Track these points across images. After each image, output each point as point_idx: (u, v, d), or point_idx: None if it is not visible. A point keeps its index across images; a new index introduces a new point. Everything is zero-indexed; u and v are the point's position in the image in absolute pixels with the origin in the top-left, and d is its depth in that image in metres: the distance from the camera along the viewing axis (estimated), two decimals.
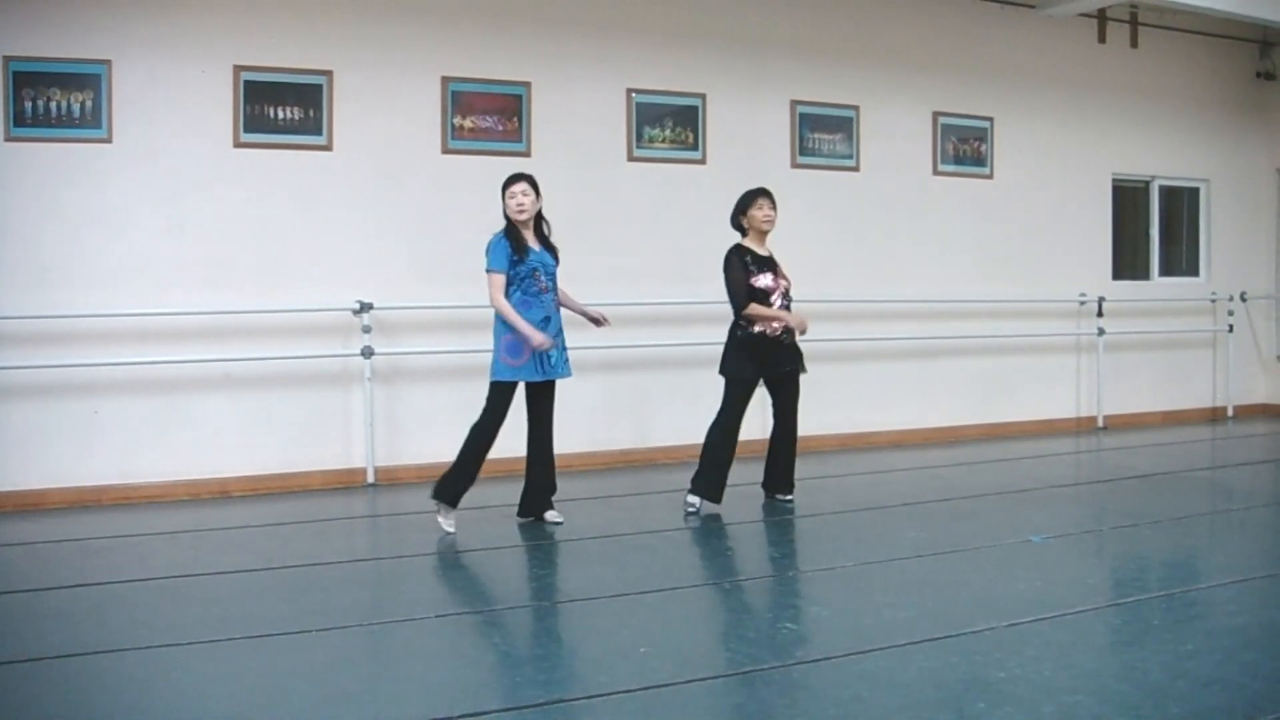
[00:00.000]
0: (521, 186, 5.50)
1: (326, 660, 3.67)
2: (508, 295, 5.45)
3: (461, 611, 4.18)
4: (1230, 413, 10.31)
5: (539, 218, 5.62)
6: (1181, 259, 10.46)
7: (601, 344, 7.33)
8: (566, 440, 7.54)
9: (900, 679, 3.42)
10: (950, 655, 3.60)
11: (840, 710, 3.16)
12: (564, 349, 5.62)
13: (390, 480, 6.97)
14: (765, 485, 6.34)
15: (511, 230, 5.50)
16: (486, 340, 7.23)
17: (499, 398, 5.51)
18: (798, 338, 6.12)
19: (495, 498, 6.10)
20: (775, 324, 5.91)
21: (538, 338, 5.36)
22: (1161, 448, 8.49)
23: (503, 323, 5.47)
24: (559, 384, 5.70)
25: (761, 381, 6.14)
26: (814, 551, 5.21)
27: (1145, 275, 10.19)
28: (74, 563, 5.08)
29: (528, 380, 5.52)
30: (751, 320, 5.91)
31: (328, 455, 6.91)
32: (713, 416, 6.03)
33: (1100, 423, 9.56)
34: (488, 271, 5.49)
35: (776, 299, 5.96)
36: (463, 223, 7.22)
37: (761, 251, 6.05)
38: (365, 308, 6.82)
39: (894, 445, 8.51)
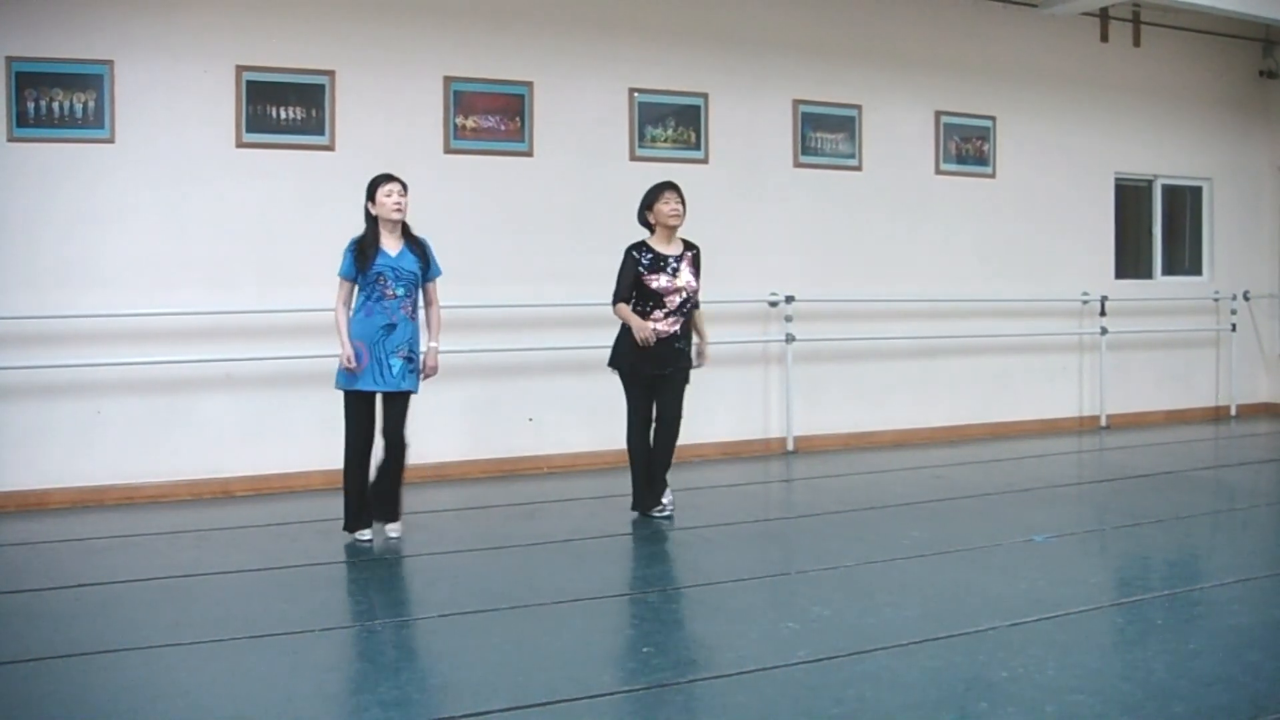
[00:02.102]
0: (396, 186, 5.36)
1: (328, 660, 3.67)
2: (355, 300, 5.29)
3: (466, 611, 4.17)
4: (1233, 412, 10.29)
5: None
6: (1184, 258, 10.45)
7: (604, 345, 7.32)
8: (567, 440, 7.58)
9: (903, 678, 3.42)
10: (953, 655, 3.59)
11: (843, 709, 3.16)
12: (411, 359, 5.32)
13: None
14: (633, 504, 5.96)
15: (367, 233, 5.33)
16: (488, 340, 7.28)
17: (349, 408, 5.32)
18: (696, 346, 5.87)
19: (498, 498, 6.10)
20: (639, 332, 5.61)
21: (345, 353, 5.18)
22: (1164, 447, 8.48)
23: (351, 329, 5.27)
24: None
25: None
26: (816, 551, 5.20)
27: (1148, 274, 10.18)
28: (76, 563, 5.09)
29: (363, 389, 5.28)
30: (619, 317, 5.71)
31: (330, 455, 6.87)
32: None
33: (1103, 422, 9.55)
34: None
35: (670, 302, 5.67)
36: (465, 222, 7.22)
37: (667, 250, 5.73)
38: None
39: (896, 445, 8.51)
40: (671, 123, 7.86)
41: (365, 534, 5.40)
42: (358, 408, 5.33)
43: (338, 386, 5.33)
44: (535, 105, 7.40)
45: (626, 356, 5.71)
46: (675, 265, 5.72)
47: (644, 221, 5.83)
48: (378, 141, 6.97)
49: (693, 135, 7.93)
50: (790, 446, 8.18)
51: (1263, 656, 3.56)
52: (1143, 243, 10.20)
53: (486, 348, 7.25)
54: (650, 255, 5.70)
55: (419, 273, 5.39)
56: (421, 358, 5.41)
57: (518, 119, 7.37)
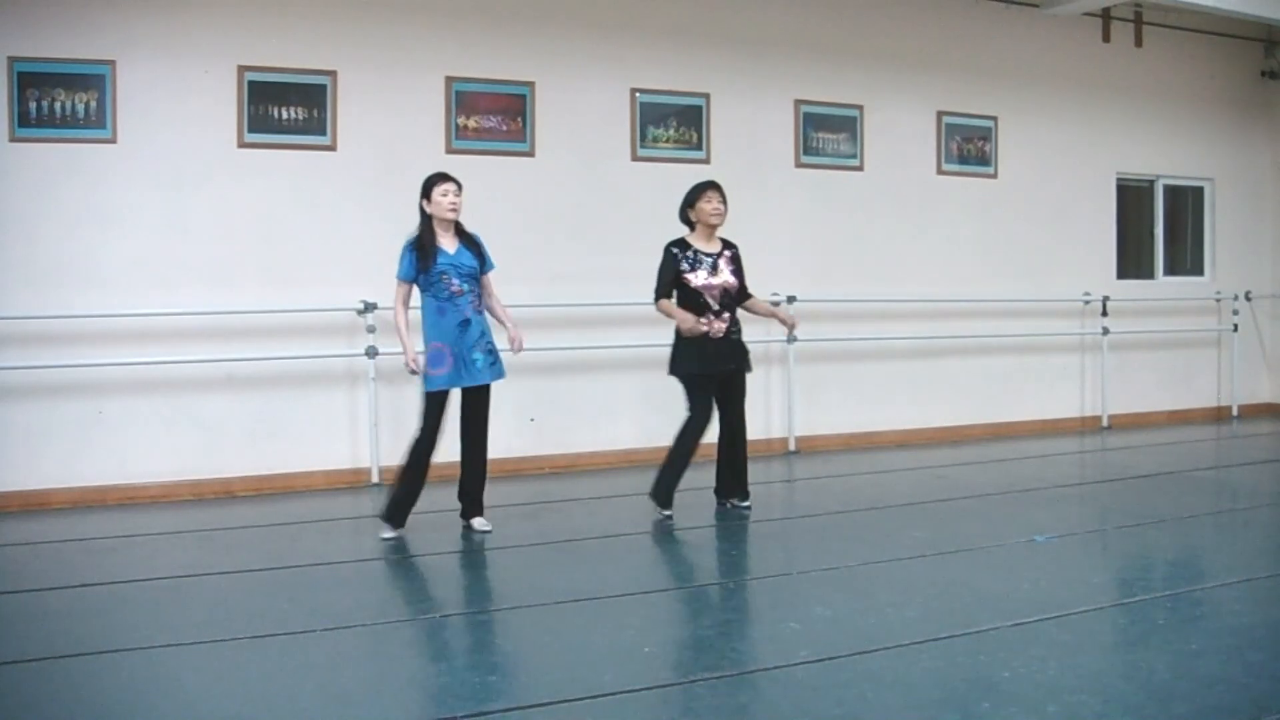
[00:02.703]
0: (452, 186, 5.39)
1: (330, 660, 3.67)
2: (422, 302, 5.33)
3: (465, 611, 4.17)
4: (1235, 412, 10.29)
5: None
6: (1186, 258, 10.44)
7: (603, 345, 7.33)
8: (568, 440, 7.58)
9: (904, 679, 3.42)
10: (954, 655, 3.59)
11: (844, 710, 3.16)
12: (491, 351, 5.40)
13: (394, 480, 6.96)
14: (718, 491, 6.07)
15: (423, 233, 5.36)
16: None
17: (430, 406, 5.33)
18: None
19: (498, 498, 6.09)
20: (683, 325, 5.66)
21: (408, 356, 5.26)
22: (1166, 447, 8.47)
23: (426, 333, 5.33)
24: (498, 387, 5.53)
25: None
26: (817, 551, 5.20)
27: (1150, 274, 10.18)
28: (77, 563, 5.09)
29: (454, 387, 5.33)
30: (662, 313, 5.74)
31: (332, 455, 6.91)
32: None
33: (1104, 422, 9.55)
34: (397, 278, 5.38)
35: (712, 298, 5.73)
36: (466, 222, 7.20)
37: (706, 247, 5.82)
38: (369, 308, 6.82)
39: (897, 445, 8.50)
40: (673, 123, 7.87)
41: (390, 532, 5.43)
42: (439, 408, 5.34)
43: (430, 389, 5.31)
44: (537, 105, 7.40)
45: (691, 363, 5.72)
46: (715, 263, 5.80)
47: (685, 219, 5.92)
48: (379, 141, 6.98)
49: (694, 135, 7.93)
50: (792, 446, 8.18)
51: (1265, 657, 3.56)
52: (1144, 243, 10.20)
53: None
54: (690, 252, 5.78)
55: (477, 267, 5.46)
56: (510, 333, 5.50)
57: (519, 119, 7.37)
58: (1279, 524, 5.91)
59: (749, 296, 5.96)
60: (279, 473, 6.75)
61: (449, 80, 7.17)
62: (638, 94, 7.74)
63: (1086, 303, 9.52)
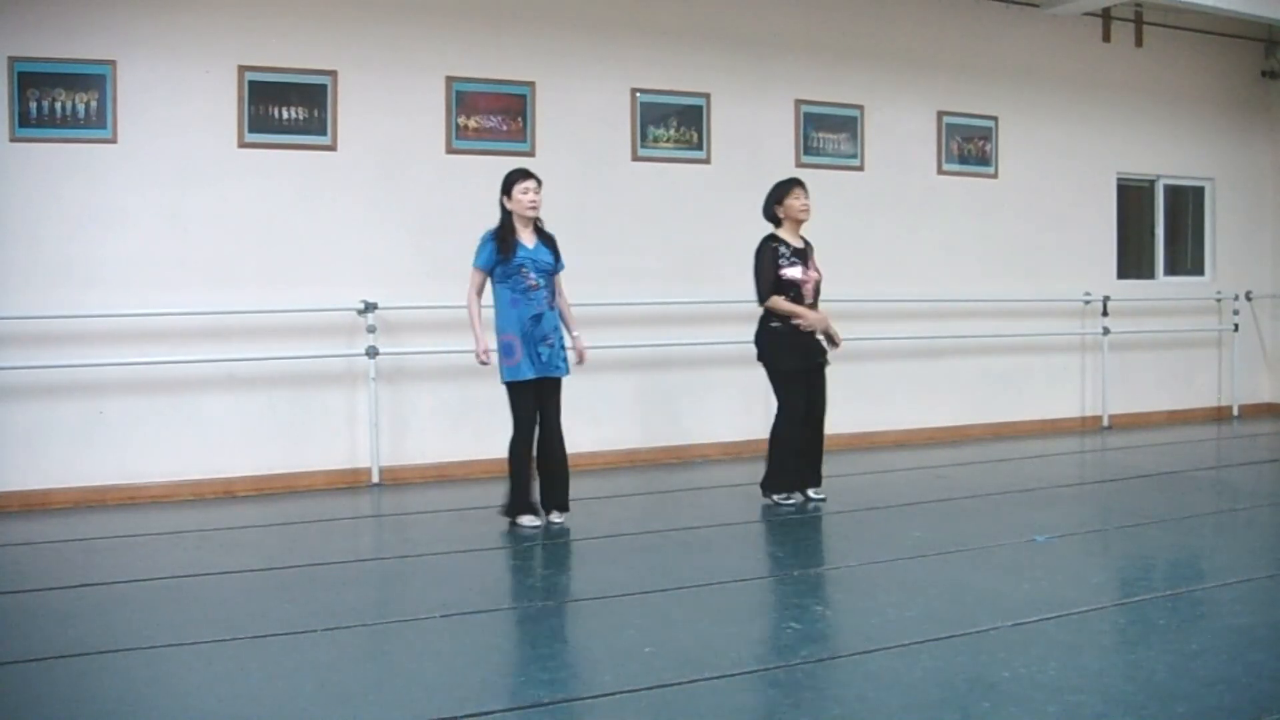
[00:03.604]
0: (533, 184, 5.51)
1: (330, 660, 3.67)
2: (496, 293, 5.46)
3: (466, 611, 4.17)
4: (1235, 412, 10.29)
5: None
6: (1186, 258, 10.44)
7: (603, 345, 7.32)
8: (569, 440, 7.56)
9: (905, 679, 3.42)
10: (955, 655, 3.59)
11: (845, 710, 3.16)
12: (560, 347, 5.56)
13: (395, 480, 6.97)
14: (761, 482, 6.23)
15: (503, 227, 5.49)
16: (490, 340, 7.26)
17: (514, 399, 5.49)
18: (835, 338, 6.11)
19: (498, 498, 6.09)
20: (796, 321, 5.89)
21: (481, 345, 5.40)
22: (1166, 447, 8.47)
23: (498, 324, 5.47)
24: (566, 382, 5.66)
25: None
26: (818, 551, 5.20)
27: (1150, 274, 10.18)
28: (78, 562, 5.09)
29: (526, 378, 5.45)
30: (774, 310, 5.91)
31: (332, 455, 6.91)
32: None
33: (1105, 422, 9.55)
34: (472, 266, 5.52)
35: (807, 291, 5.95)
36: (467, 222, 7.18)
37: (795, 242, 6.02)
38: (370, 308, 6.82)
39: (898, 445, 8.50)
40: (674, 123, 7.87)
41: (532, 520, 5.53)
42: (524, 397, 5.47)
43: (505, 380, 5.45)
44: (537, 105, 7.40)
45: (796, 358, 5.93)
46: (805, 257, 6.01)
47: (771, 216, 6.08)
48: (380, 141, 6.98)
49: (695, 135, 7.93)
50: None
51: (1265, 657, 3.56)
52: (1145, 243, 10.20)
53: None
54: (786, 247, 5.95)
55: (553, 264, 5.57)
56: (573, 347, 5.65)
57: (519, 119, 7.37)
58: (1279, 524, 5.90)
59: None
60: (279, 473, 6.75)
61: (449, 80, 7.17)
62: (638, 94, 7.74)
63: (1087, 303, 9.52)
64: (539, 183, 5.55)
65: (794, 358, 5.93)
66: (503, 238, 5.45)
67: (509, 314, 5.42)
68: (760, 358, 6.04)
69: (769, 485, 6.08)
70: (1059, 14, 9.13)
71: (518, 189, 5.49)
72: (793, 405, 5.95)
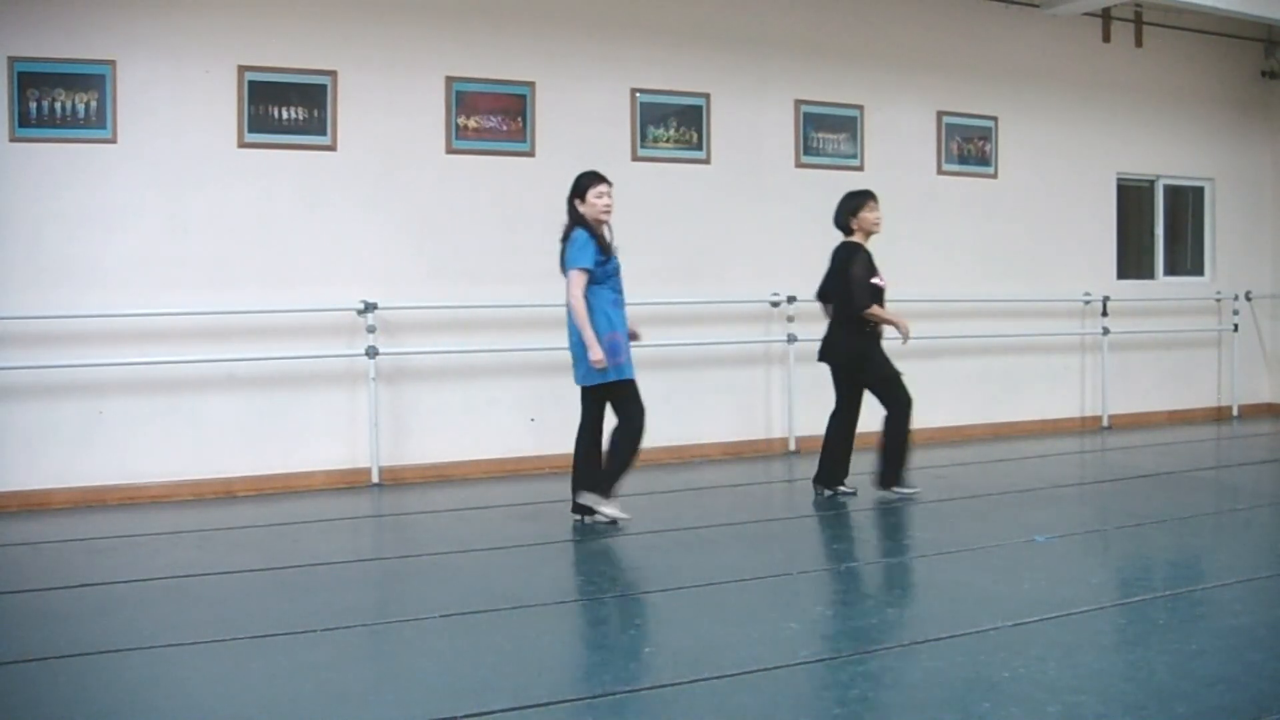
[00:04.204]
0: (607, 188, 5.47)
1: (330, 660, 3.67)
2: (595, 294, 5.37)
3: (466, 611, 4.17)
4: (1235, 412, 10.29)
5: None
6: (1186, 258, 10.44)
7: None
8: (568, 440, 7.56)
9: (905, 679, 3.42)
10: (955, 655, 3.59)
11: (845, 710, 3.16)
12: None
13: (395, 480, 6.97)
14: (820, 479, 6.39)
15: (591, 229, 5.43)
16: (490, 340, 7.28)
17: (630, 394, 5.46)
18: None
19: (498, 498, 6.10)
20: (884, 326, 6.08)
21: (599, 348, 5.29)
22: (1166, 447, 8.47)
23: (598, 325, 5.36)
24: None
25: (831, 372, 6.33)
26: (817, 551, 5.20)
27: (1150, 275, 10.18)
28: (78, 562, 5.09)
29: (612, 380, 5.40)
30: (872, 318, 6.07)
31: (332, 455, 6.91)
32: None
33: (1105, 422, 9.55)
34: (572, 268, 5.39)
35: (884, 297, 6.15)
36: (467, 223, 7.24)
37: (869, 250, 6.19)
38: (370, 308, 6.82)
39: None
40: (673, 123, 7.87)
41: (611, 509, 5.55)
42: (636, 390, 5.48)
43: (618, 378, 5.41)
44: (537, 105, 7.40)
45: (888, 362, 6.14)
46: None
47: (843, 225, 6.24)
48: (380, 142, 6.98)
49: (695, 135, 7.93)
50: (792, 446, 8.18)
51: (1265, 657, 3.56)
52: (1144, 243, 10.20)
53: (486, 348, 7.26)
54: (869, 256, 6.15)
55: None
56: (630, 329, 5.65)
57: (519, 119, 7.37)
58: (1279, 524, 5.90)
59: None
60: (279, 473, 6.75)
61: (449, 80, 7.17)
62: (638, 94, 7.74)
63: (1087, 303, 9.52)
64: (610, 185, 5.51)
65: (889, 363, 6.14)
66: (600, 238, 5.41)
67: (614, 314, 5.40)
68: (851, 364, 6.16)
69: (896, 479, 6.22)
70: (1059, 14, 9.13)
71: (592, 193, 5.43)
72: (900, 400, 6.12)
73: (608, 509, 5.50)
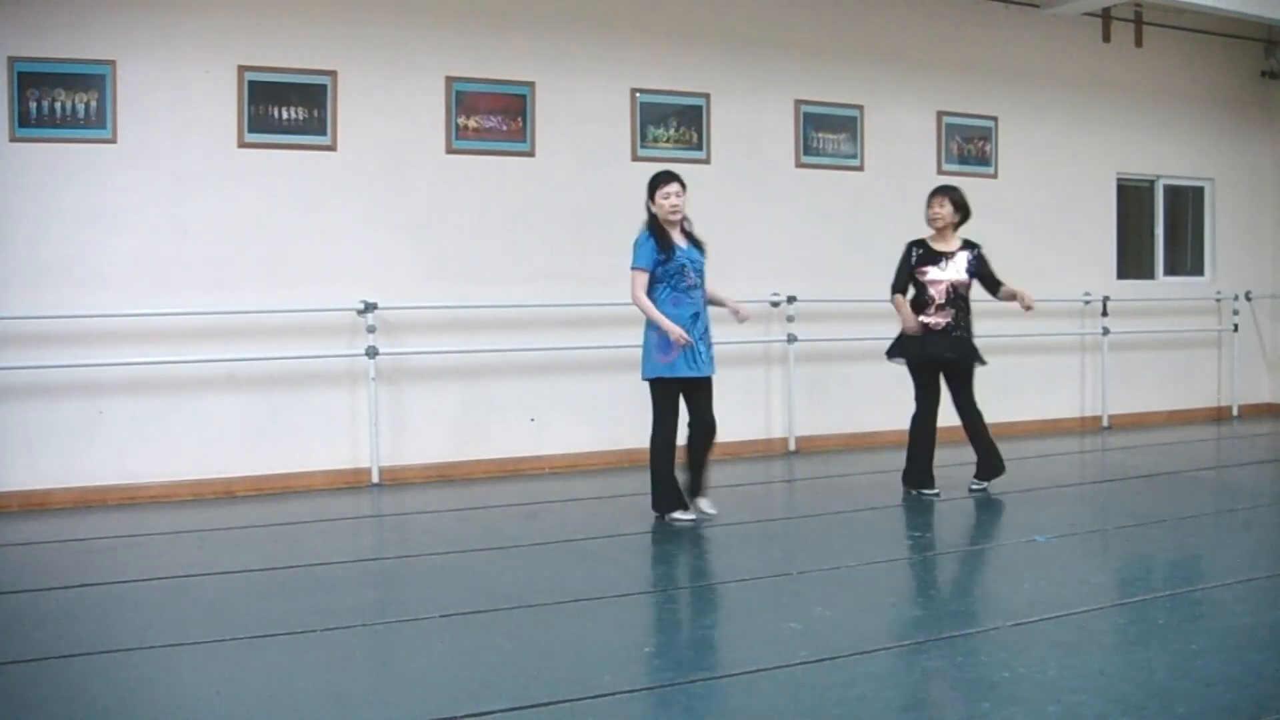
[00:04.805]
0: (675, 187, 5.50)
1: (330, 660, 3.67)
2: (654, 292, 5.44)
3: (466, 611, 4.17)
4: (1235, 412, 10.29)
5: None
6: (1186, 258, 10.44)
7: (603, 345, 7.33)
8: (568, 440, 7.58)
9: (905, 679, 3.42)
10: (955, 655, 3.59)
11: (845, 710, 3.16)
12: (710, 345, 5.60)
13: (395, 480, 6.97)
14: (908, 477, 6.47)
15: (657, 228, 5.49)
16: (488, 340, 7.28)
17: (660, 395, 5.53)
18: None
19: (498, 498, 6.09)
20: (908, 324, 6.24)
21: (676, 331, 5.35)
22: (1166, 447, 8.47)
23: (650, 321, 5.48)
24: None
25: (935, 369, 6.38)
26: (817, 551, 5.20)
27: (1150, 275, 10.17)
28: (78, 562, 5.09)
29: (680, 376, 5.47)
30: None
31: (332, 455, 6.91)
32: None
33: (1105, 422, 9.55)
34: (631, 268, 5.49)
35: (939, 292, 6.23)
36: (467, 223, 7.23)
37: (941, 246, 6.31)
38: (370, 308, 6.82)
39: (898, 445, 8.44)
40: (673, 123, 7.87)
41: (684, 515, 5.59)
42: (671, 393, 5.53)
43: (651, 376, 5.49)
44: (537, 105, 7.40)
45: (910, 350, 6.31)
46: (946, 260, 6.29)
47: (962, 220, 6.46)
48: (380, 142, 6.98)
49: (695, 135, 7.93)
50: (792, 446, 8.18)
51: (1265, 657, 3.56)
52: (1144, 243, 10.20)
53: (486, 348, 7.26)
54: (922, 250, 6.32)
55: (703, 262, 5.62)
56: (733, 306, 5.72)
57: (519, 119, 7.37)
58: (1279, 524, 5.90)
59: (999, 286, 6.40)
60: (279, 473, 6.75)
61: (449, 80, 7.17)
62: (638, 94, 7.74)
63: (1087, 303, 9.52)
64: (683, 185, 5.54)
65: (909, 351, 6.27)
66: (661, 236, 5.45)
67: (670, 312, 5.42)
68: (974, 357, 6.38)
69: (916, 482, 6.36)
70: (1059, 14, 9.13)
71: (660, 193, 5.50)
72: (922, 398, 6.33)
73: (680, 516, 5.62)
